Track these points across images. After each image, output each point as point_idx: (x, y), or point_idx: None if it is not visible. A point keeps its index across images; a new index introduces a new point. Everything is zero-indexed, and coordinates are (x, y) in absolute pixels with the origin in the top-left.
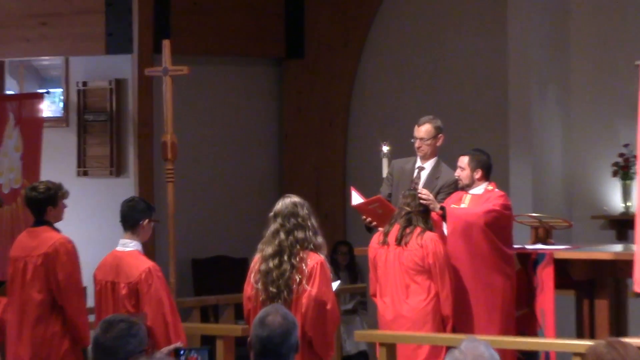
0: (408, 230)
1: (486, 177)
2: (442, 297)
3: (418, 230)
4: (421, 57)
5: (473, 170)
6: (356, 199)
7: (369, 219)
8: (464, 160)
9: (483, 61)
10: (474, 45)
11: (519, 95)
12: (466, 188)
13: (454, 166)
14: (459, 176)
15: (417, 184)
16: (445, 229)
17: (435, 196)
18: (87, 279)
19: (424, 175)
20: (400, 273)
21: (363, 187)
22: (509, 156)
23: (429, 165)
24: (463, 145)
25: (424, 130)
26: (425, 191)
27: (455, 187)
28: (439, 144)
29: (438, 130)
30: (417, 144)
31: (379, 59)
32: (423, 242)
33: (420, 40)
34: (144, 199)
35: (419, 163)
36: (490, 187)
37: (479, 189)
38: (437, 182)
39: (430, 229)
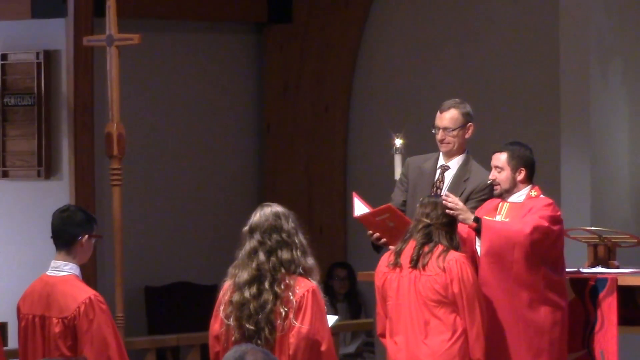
0: (427, 248)
1: (530, 178)
2: (471, 336)
3: (440, 248)
4: (448, 22)
5: (515, 169)
6: (360, 208)
7: (376, 234)
8: (500, 158)
9: (528, 27)
10: (518, 8)
11: (573, 72)
12: (505, 194)
13: (487, 166)
14: (494, 179)
15: (439, 188)
16: (478, 247)
17: (464, 204)
18: (8, 312)
19: (448, 176)
20: (417, 305)
21: (369, 193)
22: (561, 152)
23: (455, 163)
24: (498, 139)
25: (448, 117)
26: (453, 197)
27: (490, 192)
28: (468, 135)
29: (467, 117)
30: (439, 136)
31: (392, 22)
32: (446, 264)
33: (448, 0)
34: (83, 209)
35: (442, 161)
36: (533, 193)
37: (520, 195)
38: (466, 185)
39: (456, 248)
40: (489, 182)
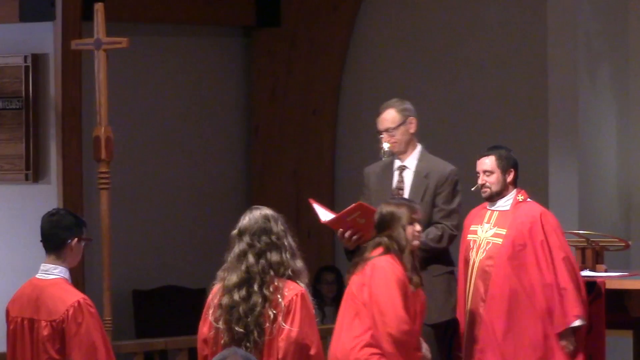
0: (366, 253)
1: (516, 180)
2: (380, 337)
3: (376, 252)
4: (436, 26)
5: (504, 171)
6: (324, 213)
7: (348, 232)
8: (488, 162)
9: (516, 32)
10: (505, 12)
11: (561, 76)
12: (495, 197)
13: (468, 169)
14: (484, 183)
15: (401, 189)
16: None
17: (433, 203)
18: None
19: (408, 177)
20: (343, 304)
21: (357, 197)
22: (549, 156)
23: (411, 161)
24: (486, 143)
25: (386, 118)
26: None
27: (454, 180)
28: (412, 130)
29: (405, 112)
30: (384, 139)
31: (380, 26)
32: (366, 266)
33: (435, 4)
34: (72, 212)
35: (398, 162)
36: (520, 198)
37: (507, 200)
38: (427, 181)
39: (400, 248)
40: (473, 188)
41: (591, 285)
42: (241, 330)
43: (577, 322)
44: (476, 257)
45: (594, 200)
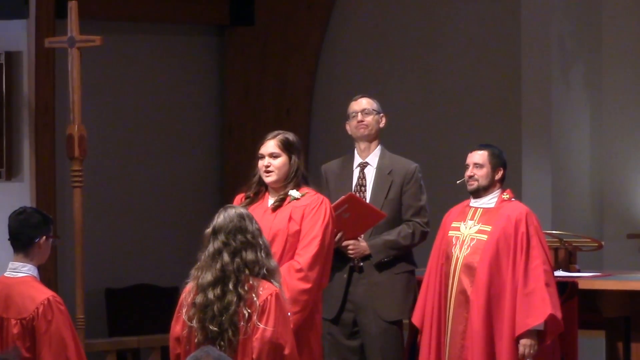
0: None
1: (502, 181)
2: None
3: None
4: (409, 26)
5: (494, 168)
6: None
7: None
8: (481, 156)
9: (489, 33)
10: (479, 13)
11: (535, 76)
12: (481, 191)
13: (440, 168)
14: (473, 175)
15: (363, 185)
16: None
17: (399, 200)
18: None
19: (370, 173)
20: None
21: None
22: (522, 156)
23: (373, 158)
24: (460, 144)
25: (365, 101)
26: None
27: (419, 176)
28: (382, 125)
29: (380, 108)
30: (358, 118)
31: (354, 26)
32: None
33: (409, 2)
34: (38, 210)
35: (358, 159)
36: (506, 196)
37: (491, 197)
38: (392, 178)
39: None
40: (459, 181)
41: (564, 286)
42: (215, 329)
43: (537, 327)
44: (460, 254)
45: (567, 200)
